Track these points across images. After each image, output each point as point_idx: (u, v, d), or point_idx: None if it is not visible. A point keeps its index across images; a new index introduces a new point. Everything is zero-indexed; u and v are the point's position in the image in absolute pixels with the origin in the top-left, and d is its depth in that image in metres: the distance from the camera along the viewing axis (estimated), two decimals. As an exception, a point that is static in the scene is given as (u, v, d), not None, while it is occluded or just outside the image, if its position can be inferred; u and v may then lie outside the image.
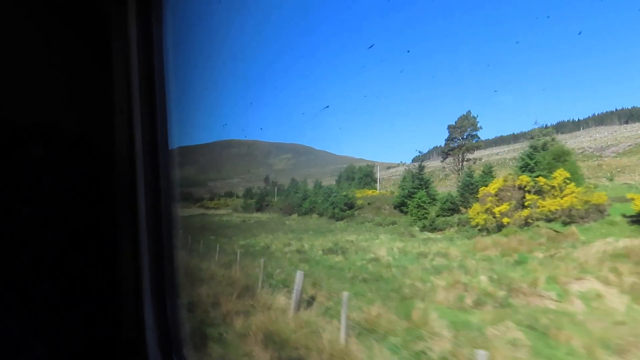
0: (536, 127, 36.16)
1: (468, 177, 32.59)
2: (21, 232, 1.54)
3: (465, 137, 45.81)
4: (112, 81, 1.79)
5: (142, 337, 1.81)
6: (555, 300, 10.69)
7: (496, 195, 24.29)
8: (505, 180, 25.27)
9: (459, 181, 36.38)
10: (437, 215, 29.93)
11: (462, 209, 28.22)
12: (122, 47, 1.82)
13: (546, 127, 37.02)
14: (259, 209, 55.88)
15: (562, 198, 21.83)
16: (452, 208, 30.06)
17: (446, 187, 47.26)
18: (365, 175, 61.14)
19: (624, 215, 19.60)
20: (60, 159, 1.64)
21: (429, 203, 32.07)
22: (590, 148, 65.03)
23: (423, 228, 28.32)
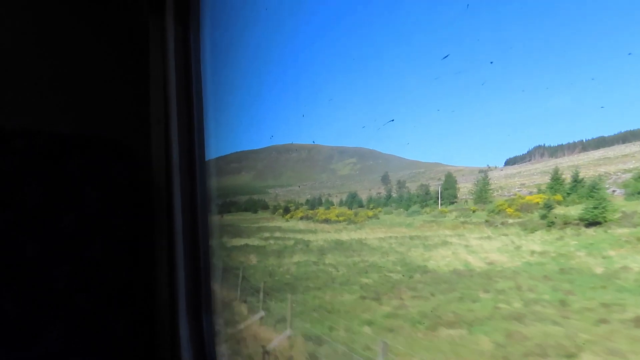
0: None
1: None
2: (61, 243, 1.56)
3: None
4: (149, 90, 1.78)
5: (177, 353, 1.76)
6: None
7: None
8: None
9: None
10: None
11: None
12: (160, 55, 1.80)
13: None
14: None
15: None
16: None
17: None
18: None
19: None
20: (99, 169, 1.64)
21: None
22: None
23: None
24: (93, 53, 1.68)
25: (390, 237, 25.63)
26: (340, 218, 40.14)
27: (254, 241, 26.09)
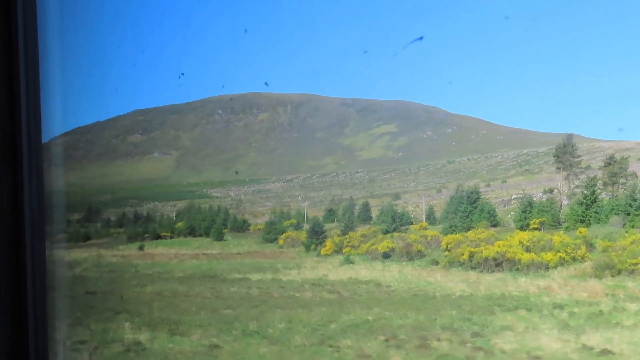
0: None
1: None
2: None
3: None
4: None
5: None
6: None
7: None
8: None
9: None
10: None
11: None
12: None
13: None
14: None
15: None
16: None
17: None
18: None
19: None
20: None
21: None
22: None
23: None
24: None
25: None
26: (549, 258, 16.84)
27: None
